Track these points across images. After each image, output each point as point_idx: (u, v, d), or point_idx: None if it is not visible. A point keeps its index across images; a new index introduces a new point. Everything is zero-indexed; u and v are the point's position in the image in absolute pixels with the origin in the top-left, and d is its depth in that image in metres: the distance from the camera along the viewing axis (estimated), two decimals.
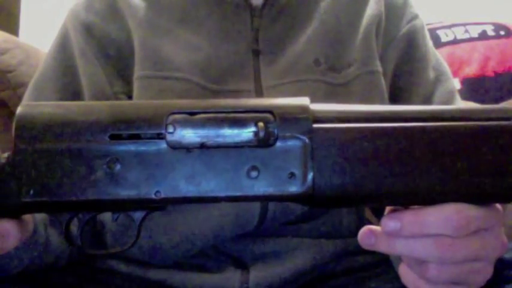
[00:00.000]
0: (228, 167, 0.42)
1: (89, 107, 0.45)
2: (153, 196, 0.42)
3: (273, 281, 0.64)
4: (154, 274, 0.65)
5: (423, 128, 0.42)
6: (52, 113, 0.44)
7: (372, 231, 0.42)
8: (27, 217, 0.51)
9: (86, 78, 0.68)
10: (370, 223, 0.65)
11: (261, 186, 0.42)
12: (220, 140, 0.42)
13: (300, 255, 0.66)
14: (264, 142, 0.42)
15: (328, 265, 0.67)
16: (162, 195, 0.42)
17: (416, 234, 0.40)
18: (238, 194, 0.42)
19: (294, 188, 0.42)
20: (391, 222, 0.41)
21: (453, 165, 0.41)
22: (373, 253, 0.73)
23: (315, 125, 0.42)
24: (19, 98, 0.72)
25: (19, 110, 0.44)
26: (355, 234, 0.71)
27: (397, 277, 0.69)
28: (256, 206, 0.63)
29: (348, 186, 0.41)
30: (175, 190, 0.42)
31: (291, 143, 0.42)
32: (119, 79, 0.69)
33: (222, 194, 0.42)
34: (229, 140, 0.42)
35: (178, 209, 0.64)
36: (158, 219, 0.65)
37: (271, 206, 0.64)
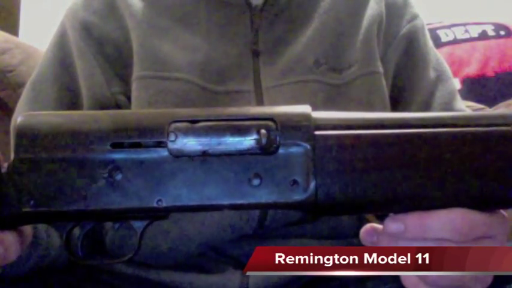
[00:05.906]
0: (230, 174, 0.42)
1: (90, 116, 0.45)
2: (155, 205, 0.42)
3: (273, 282, 0.64)
4: (154, 275, 0.65)
5: (424, 134, 0.42)
6: (53, 122, 0.43)
7: (374, 229, 0.42)
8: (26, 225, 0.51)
9: (84, 78, 0.68)
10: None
11: (264, 194, 0.41)
12: (222, 147, 0.42)
13: None
14: (266, 149, 0.42)
15: None
16: (164, 204, 0.42)
17: (419, 238, 0.40)
18: (241, 201, 0.42)
19: (296, 196, 0.41)
20: (394, 224, 0.41)
21: (455, 170, 0.41)
22: None
23: (317, 132, 0.42)
24: (19, 98, 0.72)
25: (20, 120, 0.43)
26: (355, 234, 0.71)
27: (396, 277, 0.69)
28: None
29: (351, 194, 0.41)
30: (178, 199, 0.42)
31: (293, 150, 0.42)
32: (117, 79, 0.69)
33: (225, 202, 0.42)
34: (231, 148, 0.42)
35: None
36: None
37: None
